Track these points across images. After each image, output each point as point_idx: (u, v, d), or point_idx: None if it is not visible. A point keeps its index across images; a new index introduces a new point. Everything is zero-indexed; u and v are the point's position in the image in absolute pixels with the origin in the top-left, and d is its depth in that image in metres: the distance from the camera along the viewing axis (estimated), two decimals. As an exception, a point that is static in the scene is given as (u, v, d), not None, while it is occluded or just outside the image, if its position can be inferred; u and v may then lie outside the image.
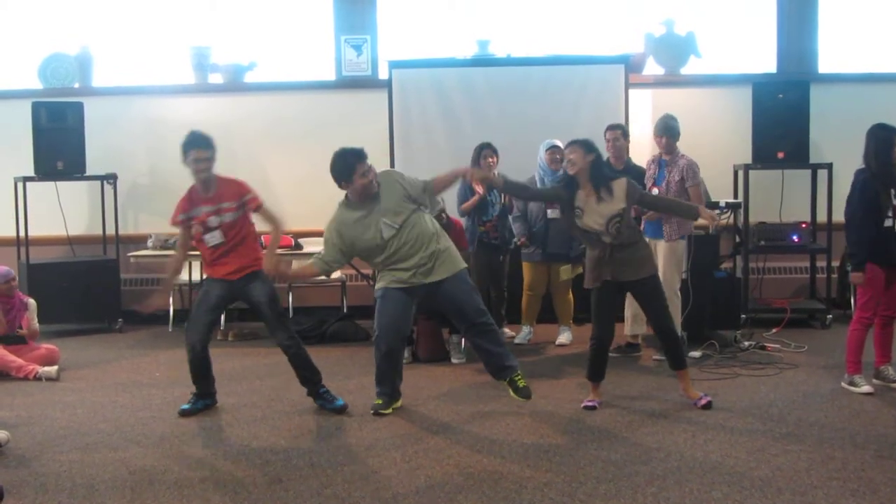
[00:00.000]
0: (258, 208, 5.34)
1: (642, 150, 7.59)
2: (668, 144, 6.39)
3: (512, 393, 5.19)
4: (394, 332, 5.13)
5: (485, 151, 6.77)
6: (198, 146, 5.18)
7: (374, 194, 5.07)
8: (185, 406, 5.32)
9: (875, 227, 5.31)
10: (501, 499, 3.87)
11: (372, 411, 5.19)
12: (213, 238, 5.24)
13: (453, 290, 5.12)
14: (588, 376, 5.31)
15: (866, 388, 5.38)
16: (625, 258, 5.12)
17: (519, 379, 5.18)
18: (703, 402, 5.17)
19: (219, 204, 5.24)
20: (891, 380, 5.50)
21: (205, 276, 5.48)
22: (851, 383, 5.46)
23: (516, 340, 7.10)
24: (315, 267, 5.26)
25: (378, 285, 5.22)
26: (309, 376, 5.35)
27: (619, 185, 5.13)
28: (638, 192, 5.22)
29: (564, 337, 7.06)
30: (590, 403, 5.24)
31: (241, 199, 5.29)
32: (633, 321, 6.56)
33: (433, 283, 5.10)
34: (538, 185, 6.83)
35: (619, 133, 6.67)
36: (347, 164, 5.02)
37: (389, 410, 5.21)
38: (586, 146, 5.15)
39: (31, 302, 6.67)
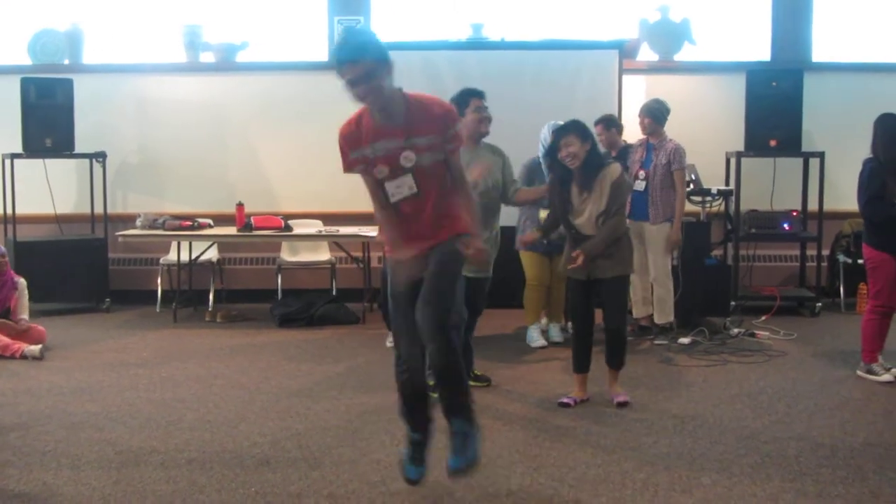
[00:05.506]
0: (458, 149, 3.59)
1: (636, 136, 7.54)
2: (650, 126, 6.47)
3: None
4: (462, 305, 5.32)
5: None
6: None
7: (479, 139, 5.29)
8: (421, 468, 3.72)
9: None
10: (491, 483, 3.85)
11: (485, 384, 5.32)
12: (400, 190, 3.51)
13: (479, 285, 5.24)
14: (573, 368, 5.05)
15: (886, 377, 5.34)
16: (602, 254, 4.80)
17: None
18: (620, 399, 4.95)
19: (409, 138, 3.46)
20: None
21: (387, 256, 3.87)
22: (869, 371, 5.42)
23: (533, 344, 6.47)
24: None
25: None
26: None
27: (606, 180, 4.74)
28: (624, 195, 4.89)
29: (554, 333, 6.61)
30: (565, 400, 4.95)
31: (446, 131, 3.50)
32: (642, 304, 6.56)
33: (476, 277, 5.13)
34: (542, 163, 6.29)
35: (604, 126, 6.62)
36: (465, 94, 5.22)
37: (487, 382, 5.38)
38: (583, 134, 4.75)
39: (22, 281, 6.57)
